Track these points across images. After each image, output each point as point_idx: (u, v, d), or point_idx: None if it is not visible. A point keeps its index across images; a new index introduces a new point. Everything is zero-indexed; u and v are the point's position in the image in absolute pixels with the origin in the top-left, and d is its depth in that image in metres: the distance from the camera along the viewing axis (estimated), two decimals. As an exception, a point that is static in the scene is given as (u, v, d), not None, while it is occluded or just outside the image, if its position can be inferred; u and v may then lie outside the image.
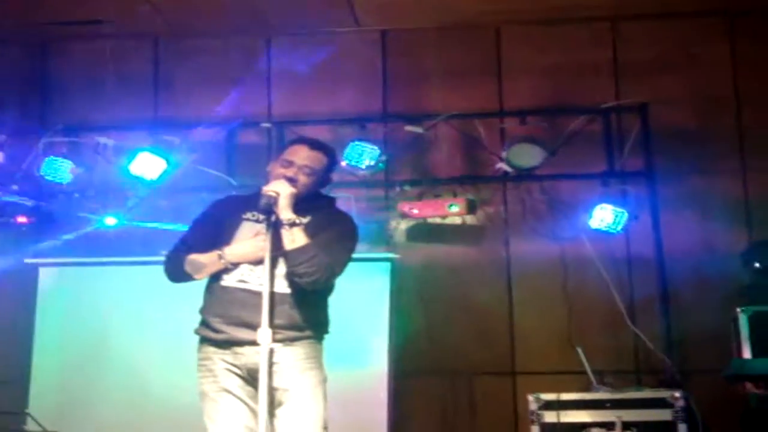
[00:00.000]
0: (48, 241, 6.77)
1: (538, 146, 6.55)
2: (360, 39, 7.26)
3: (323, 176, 4.38)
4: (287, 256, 4.08)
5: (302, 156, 4.29)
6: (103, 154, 6.77)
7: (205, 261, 4.20)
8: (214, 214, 4.43)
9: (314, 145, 4.37)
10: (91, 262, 6.76)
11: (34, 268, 6.81)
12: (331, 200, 4.54)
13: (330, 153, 4.42)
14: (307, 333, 4.19)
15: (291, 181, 4.18)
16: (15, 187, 6.79)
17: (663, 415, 5.60)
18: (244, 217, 4.30)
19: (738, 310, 5.61)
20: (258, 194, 4.19)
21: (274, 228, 4.06)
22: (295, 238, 4.08)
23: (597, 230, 6.46)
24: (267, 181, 4.23)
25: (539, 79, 7.01)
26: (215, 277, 4.22)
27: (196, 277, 4.25)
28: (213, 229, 4.31)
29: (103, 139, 6.74)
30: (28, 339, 6.66)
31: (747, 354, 5.59)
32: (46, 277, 6.80)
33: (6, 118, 6.73)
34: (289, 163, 4.27)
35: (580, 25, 7.04)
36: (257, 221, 4.23)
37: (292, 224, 4.08)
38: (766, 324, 5.58)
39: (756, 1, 6.75)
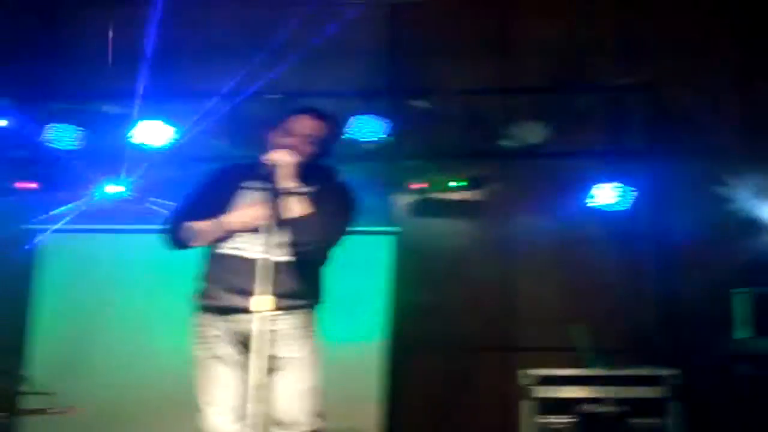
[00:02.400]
0: (50, 208, 6.78)
1: (542, 123, 6.55)
2: (369, 12, 7.22)
3: (325, 146, 4.36)
4: (286, 224, 4.08)
5: (305, 125, 4.28)
6: (110, 122, 6.77)
7: (204, 228, 4.20)
8: (214, 182, 4.43)
9: (317, 114, 4.36)
10: (90, 229, 6.80)
11: (34, 233, 6.86)
12: (333, 171, 4.50)
13: (333, 122, 4.42)
14: (303, 302, 4.20)
15: (293, 149, 4.16)
16: (22, 153, 6.81)
17: (656, 392, 5.64)
18: (243, 185, 4.29)
19: (734, 290, 5.63)
20: (258, 163, 4.18)
21: (274, 197, 4.05)
22: (294, 208, 4.08)
23: (598, 208, 6.48)
24: (269, 150, 4.20)
25: (545, 56, 7.00)
26: (213, 245, 4.23)
27: (194, 244, 4.25)
28: (213, 198, 4.30)
29: (108, 107, 6.74)
30: (27, 304, 6.73)
31: (742, 334, 5.62)
32: (47, 242, 6.85)
33: (13, 83, 6.74)
34: (292, 132, 4.26)
35: (587, 2, 7.01)
36: (257, 190, 4.22)
37: (293, 193, 4.09)
38: (762, 304, 5.61)
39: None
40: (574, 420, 5.66)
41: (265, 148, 4.29)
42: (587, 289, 6.64)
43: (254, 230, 4.10)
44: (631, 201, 6.44)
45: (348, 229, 4.31)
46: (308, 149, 4.24)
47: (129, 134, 6.63)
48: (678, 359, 6.10)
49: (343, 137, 6.50)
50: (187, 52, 7.31)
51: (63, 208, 6.78)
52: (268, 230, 3.97)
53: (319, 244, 4.14)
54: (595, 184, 6.48)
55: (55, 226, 6.84)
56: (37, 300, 6.75)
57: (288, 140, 4.23)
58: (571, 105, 6.74)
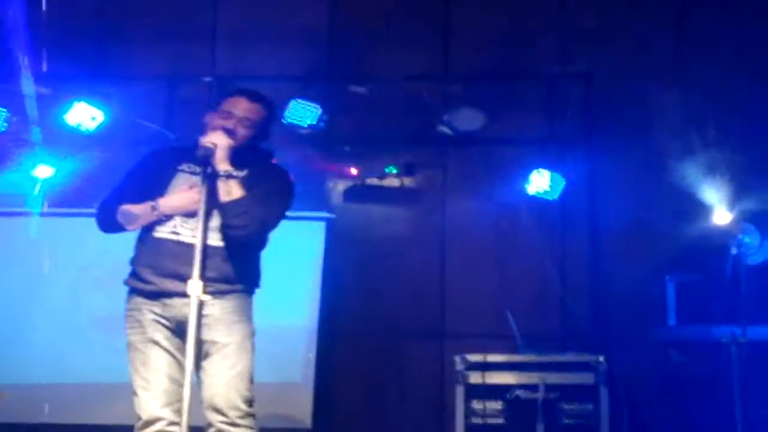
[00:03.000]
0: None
1: (480, 110, 6.57)
2: (308, -5, 7.22)
3: (262, 129, 4.33)
4: (222, 208, 4.05)
5: (241, 108, 4.25)
6: (41, 104, 6.66)
7: (138, 212, 4.15)
8: (149, 165, 4.37)
9: (254, 96, 4.33)
10: (23, 212, 6.69)
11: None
12: (269, 154, 4.48)
13: (269, 106, 4.38)
14: (238, 287, 4.17)
15: (229, 132, 4.13)
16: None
17: (586, 378, 5.70)
18: (179, 168, 4.25)
19: (666, 277, 5.71)
20: (195, 146, 4.14)
21: (210, 180, 4.02)
22: (231, 191, 4.05)
23: (533, 196, 6.53)
24: (204, 132, 4.17)
25: (485, 44, 7.01)
26: (148, 228, 4.17)
27: (128, 228, 4.20)
28: (147, 180, 4.25)
29: (40, 89, 6.63)
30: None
31: (672, 321, 5.71)
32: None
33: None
34: (228, 114, 4.22)
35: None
36: (193, 173, 4.19)
37: (229, 176, 4.06)
38: (692, 292, 5.70)
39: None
40: (506, 405, 5.69)
41: (201, 131, 4.25)
42: (521, 275, 6.69)
43: (190, 214, 4.09)
44: (564, 189, 6.48)
45: (284, 212, 4.29)
46: (244, 132, 4.22)
47: (62, 116, 6.51)
48: (609, 346, 6.18)
49: (279, 122, 6.48)
50: (122, 34, 7.19)
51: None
52: (203, 214, 3.95)
53: (255, 227, 4.11)
54: (530, 171, 6.50)
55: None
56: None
57: (224, 122, 4.19)
58: (509, 93, 6.76)
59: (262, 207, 4.12)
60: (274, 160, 4.50)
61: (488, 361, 5.78)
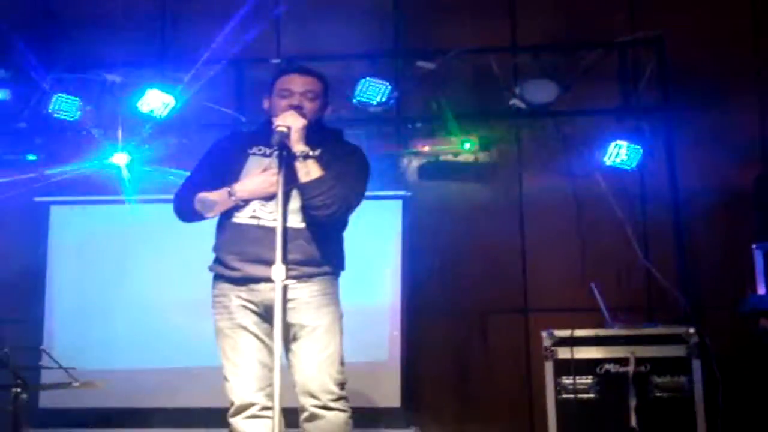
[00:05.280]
0: (58, 179, 6.71)
1: (552, 82, 6.46)
2: (373, -27, 7.14)
3: (324, 100, 4.29)
4: (303, 188, 4.02)
5: (299, 83, 4.20)
6: (111, 91, 6.69)
7: (215, 198, 4.13)
8: (220, 151, 4.36)
9: (305, 70, 4.29)
10: (101, 200, 6.74)
11: (45, 206, 6.80)
12: (339, 132, 4.46)
13: (322, 76, 4.32)
14: (324, 269, 4.15)
15: (297, 108, 4.09)
16: (23, 125, 6.73)
17: (677, 351, 5.59)
18: (250, 152, 4.24)
19: (753, 246, 5.57)
20: (263, 128, 4.16)
21: (288, 161, 3.99)
22: (310, 171, 4.01)
23: (611, 167, 6.41)
24: (270, 117, 4.16)
25: (553, 13, 6.89)
26: (226, 215, 4.17)
27: (207, 215, 4.19)
28: (220, 167, 4.24)
29: (111, 76, 6.66)
30: (41, 277, 6.68)
31: (762, 290, 5.57)
32: (57, 214, 6.80)
33: (12, 53, 6.63)
34: (289, 92, 4.18)
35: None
36: (264, 155, 4.18)
37: (306, 156, 4.02)
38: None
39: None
40: (596, 380, 5.62)
41: (265, 115, 4.25)
42: (603, 247, 6.57)
43: (267, 197, 4.05)
44: (642, 158, 6.35)
45: (365, 189, 4.25)
46: (310, 105, 4.18)
47: (134, 103, 6.53)
48: (698, 317, 6.08)
49: (349, 100, 6.43)
50: (188, 19, 7.18)
51: (72, 178, 6.69)
52: (282, 197, 3.91)
53: (338, 206, 4.07)
54: (607, 142, 6.39)
55: (64, 198, 6.77)
56: (51, 274, 6.69)
57: (288, 101, 4.15)
58: (579, 62, 6.62)
59: (343, 185, 4.08)
60: (346, 139, 4.47)
61: (576, 336, 5.68)
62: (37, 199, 6.77)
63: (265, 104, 4.30)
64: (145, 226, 6.48)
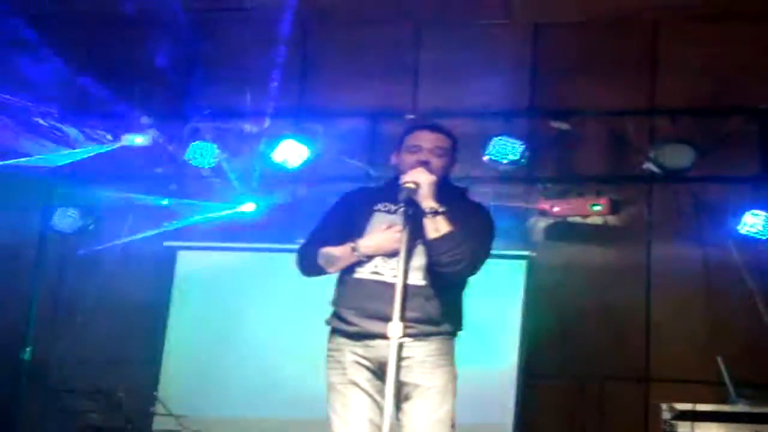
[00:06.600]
0: (188, 225, 6.88)
1: (689, 146, 6.34)
2: (510, 32, 7.16)
3: (452, 157, 4.25)
4: (432, 244, 3.98)
5: (428, 139, 4.18)
6: (248, 141, 6.83)
7: (339, 254, 4.14)
8: (345, 206, 4.37)
9: (435, 127, 4.27)
10: (229, 247, 6.87)
11: (173, 250, 6.97)
12: (464, 190, 4.42)
13: (451, 133, 4.29)
14: (442, 328, 4.10)
15: (425, 164, 4.07)
16: (159, 170, 6.94)
17: (802, 432, 5.37)
18: (375, 208, 4.22)
19: None
20: (390, 184, 4.15)
21: (414, 218, 3.97)
22: (438, 227, 3.97)
23: (745, 236, 6.25)
24: (397, 174, 4.15)
25: (693, 77, 6.78)
26: (348, 270, 4.16)
27: (329, 270, 4.19)
28: (345, 222, 4.24)
29: (248, 126, 6.81)
30: (163, 320, 6.85)
31: None
32: (184, 260, 6.97)
33: (153, 102, 6.87)
34: (418, 148, 4.16)
35: (743, 22, 6.76)
36: (389, 212, 4.17)
37: (436, 213, 4.00)
38: None
39: None
40: (714, 458, 5.43)
41: (393, 171, 4.25)
42: (733, 319, 6.40)
43: (390, 254, 4.05)
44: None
45: (490, 249, 4.19)
46: (438, 162, 4.14)
47: (269, 152, 6.66)
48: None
49: (479, 158, 6.43)
50: (326, 71, 7.32)
51: (202, 225, 6.85)
52: (404, 253, 3.91)
53: (467, 263, 4.01)
54: (741, 210, 6.23)
55: (193, 243, 6.93)
56: (172, 317, 6.87)
57: (417, 157, 4.14)
58: (718, 129, 6.48)
59: (471, 242, 4.03)
60: (469, 197, 4.43)
61: (697, 410, 5.50)
62: (167, 243, 6.95)
63: (394, 159, 4.30)
64: (265, 274, 6.58)
